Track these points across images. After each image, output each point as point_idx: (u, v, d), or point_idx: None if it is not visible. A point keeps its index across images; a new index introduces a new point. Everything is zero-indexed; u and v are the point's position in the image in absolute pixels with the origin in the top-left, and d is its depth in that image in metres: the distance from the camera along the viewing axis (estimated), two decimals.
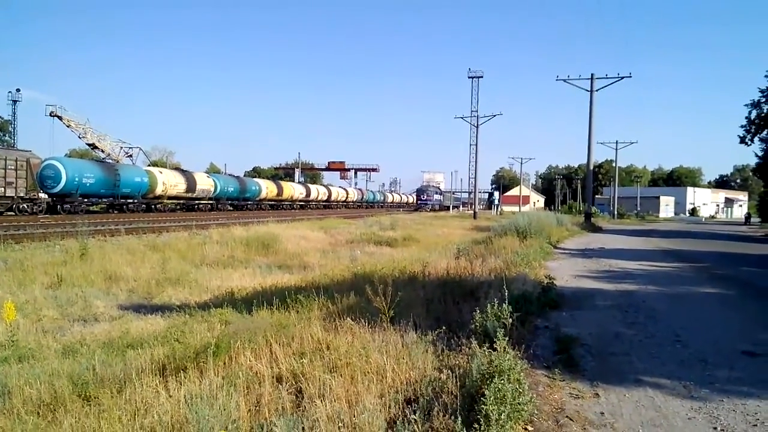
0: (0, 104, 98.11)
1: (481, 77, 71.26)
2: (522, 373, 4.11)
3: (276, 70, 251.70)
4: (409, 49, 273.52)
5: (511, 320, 5.30)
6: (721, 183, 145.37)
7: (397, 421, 3.77)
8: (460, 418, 3.54)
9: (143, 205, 40.76)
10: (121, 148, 53.61)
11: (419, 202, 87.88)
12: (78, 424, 4.09)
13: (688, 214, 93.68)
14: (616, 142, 64.81)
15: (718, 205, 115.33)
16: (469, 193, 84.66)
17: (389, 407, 4.02)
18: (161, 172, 43.70)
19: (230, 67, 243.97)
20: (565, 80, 38.10)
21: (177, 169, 54.03)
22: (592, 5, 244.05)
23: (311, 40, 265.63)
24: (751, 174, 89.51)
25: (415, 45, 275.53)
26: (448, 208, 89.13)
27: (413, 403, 4.09)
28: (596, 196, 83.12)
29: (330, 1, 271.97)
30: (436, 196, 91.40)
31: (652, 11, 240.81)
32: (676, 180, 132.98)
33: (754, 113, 37.30)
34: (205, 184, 48.25)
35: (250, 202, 57.56)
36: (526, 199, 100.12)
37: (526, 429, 3.90)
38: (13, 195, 30.76)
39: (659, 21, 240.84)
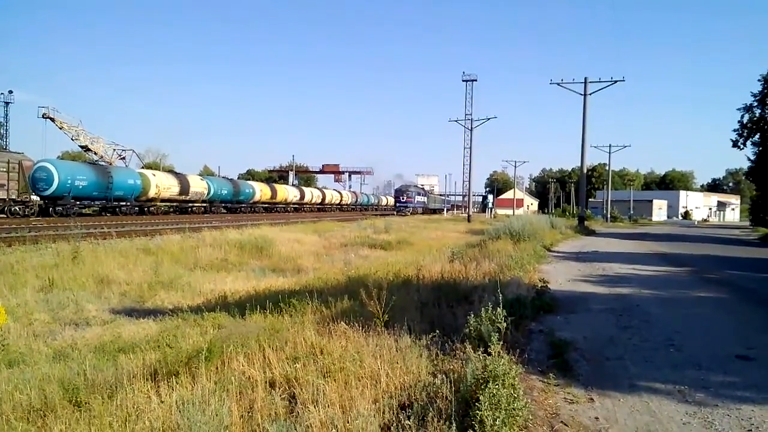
0: None
1: (475, 80, 71.30)
2: (517, 378, 4.09)
3: (270, 72, 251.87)
4: (404, 51, 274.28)
5: (505, 324, 5.28)
6: (714, 186, 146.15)
7: (392, 427, 3.75)
8: (454, 424, 3.52)
9: (136, 208, 40.57)
10: (114, 150, 53.50)
11: (398, 204, 76.88)
12: (68, 430, 4.05)
13: (680, 218, 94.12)
14: (609, 146, 65.21)
15: (710, 209, 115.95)
16: (463, 196, 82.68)
17: (383, 412, 3.99)
18: (154, 175, 43.50)
19: (224, 70, 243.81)
20: (558, 84, 38.34)
21: (170, 171, 53.77)
22: (586, 8, 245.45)
23: (304, 43, 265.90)
24: (743, 177, 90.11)
25: (409, 47, 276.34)
26: (434, 211, 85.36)
27: (407, 408, 4.06)
28: (589, 200, 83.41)
29: (323, 4, 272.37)
30: (419, 198, 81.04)
31: (647, 14, 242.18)
32: (669, 183, 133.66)
33: (746, 117, 37.54)
34: (198, 186, 48.09)
35: (243, 205, 57.39)
36: (519, 203, 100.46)
37: None
38: (5, 197, 30.55)
39: (653, 23, 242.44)
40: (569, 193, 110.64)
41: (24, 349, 7.05)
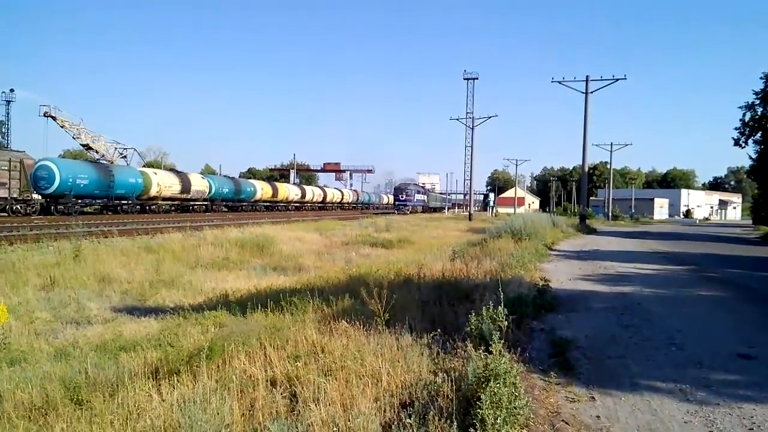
0: None
1: (477, 79, 71.08)
2: (518, 377, 4.08)
3: (271, 71, 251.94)
4: (405, 50, 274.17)
5: (506, 323, 5.27)
6: (715, 185, 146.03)
7: (393, 426, 3.74)
8: (455, 423, 3.51)
9: (137, 206, 40.62)
10: (116, 148, 53.45)
11: (397, 202, 75.24)
12: (70, 428, 4.05)
13: (682, 216, 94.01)
14: (611, 144, 65.08)
15: (712, 207, 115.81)
16: (465, 194, 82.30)
17: (384, 411, 3.98)
18: (156, 173, 43.55)
19: (225, 68, 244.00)
20: (560, 82, 38.21)
21: (171, 170, 53.83)
22: (587, 6, 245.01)
23: (306, 41, 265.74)
24: (745, 176, 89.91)
25: (410, 46, 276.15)
26: (435, 210, 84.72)
27: (408, 406, 4.06)
28: (591, 198, 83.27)
29: (325, 2, 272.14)
30: (419, 196, 79.68)
31: (647, 13, 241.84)
32: (671, 182, 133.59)
33: (748, 115, 37.43)
34: (199, 185, 48.12)
35: (245, 204, 57.43)
36: (521, 201, 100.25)
37: None
38: (7, 196, 30.58)
39: (654, 22, 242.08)
40: (570, 191, 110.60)
41: (25, 348, 7.05)
